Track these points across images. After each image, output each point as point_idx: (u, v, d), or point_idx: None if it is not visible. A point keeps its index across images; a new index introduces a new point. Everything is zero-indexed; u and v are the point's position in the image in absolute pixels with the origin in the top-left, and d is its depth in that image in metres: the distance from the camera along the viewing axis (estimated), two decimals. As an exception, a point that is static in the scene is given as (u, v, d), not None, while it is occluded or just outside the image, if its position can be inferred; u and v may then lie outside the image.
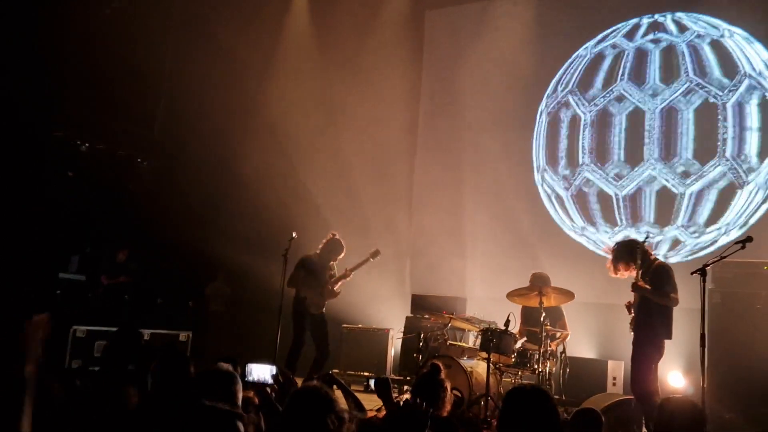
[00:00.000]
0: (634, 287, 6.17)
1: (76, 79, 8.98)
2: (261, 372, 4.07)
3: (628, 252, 6.31)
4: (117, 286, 9.63)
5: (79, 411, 3.05)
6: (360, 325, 9.72)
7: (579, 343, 8.35)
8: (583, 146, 9.34)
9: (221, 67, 10.01)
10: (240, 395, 3.25)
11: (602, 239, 9.17)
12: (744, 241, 5.33)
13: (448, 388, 4.35)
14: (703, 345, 5.20)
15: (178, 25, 9.82)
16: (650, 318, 6.08)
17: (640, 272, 6.28)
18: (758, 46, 8.50)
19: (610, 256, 6.45)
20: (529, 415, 2.83)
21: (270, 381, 3.63)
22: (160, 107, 10.27)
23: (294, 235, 7.65)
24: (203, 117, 9.69)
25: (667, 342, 6.30)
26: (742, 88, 8.43)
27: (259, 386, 3.62)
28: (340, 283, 7.92)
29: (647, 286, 6.12)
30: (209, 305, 10.66)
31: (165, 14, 9.81)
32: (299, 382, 4.15)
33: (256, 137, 9.97)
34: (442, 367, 4.46)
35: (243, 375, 4.73)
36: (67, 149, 9.65)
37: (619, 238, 8.82)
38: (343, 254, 7.96)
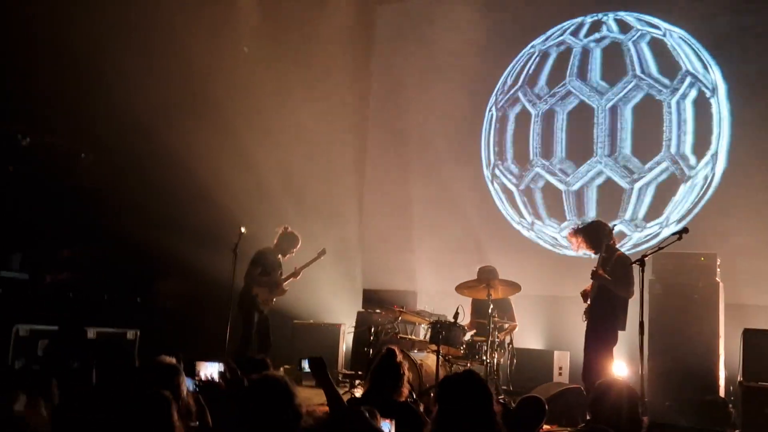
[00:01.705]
0: (594, 276, 6.28)
1: (16, 70, 8.74)
2: (209, 369, 4.06)
3: (594, 231, 6.46)
4: (61, 284, 9.42)
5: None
6: (311, 321, 9.71)
7: (526, 334, 8.50)
8: (534, 142, 9.50)
9: (166, 58, 9.84)
10: (183, 387, 3.24)
11: (551, 234, 9.35)
12: (680, 233, 5.51)
13: (406, 372, 4.33)
14: (641, 333, 5.36)
15: (120, 14, 9.61)
16: (611, 308, 6.18)
17: (601, 260, 6.42)
18: (696, 45, 8.76)
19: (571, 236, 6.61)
20: (463, 397, 2.93)
21: (217, 378, 3.63)
22: (103, 99, 10.04)
23: (243, 230, 7.65)
24: (148, 110, 9.52)
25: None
26: (684, 86, 8.68)
27: (207, 383, 3.62)
28: (289, 281, 8.01)
29: (607, 276, 6.25)
30: (159, 302, 10.53)
31: (106, 3, 9.59)
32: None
33: (203, 131, 9.84)
34: (397, 351, 4.42)
35: (192, 372, 4.70)
36: (7, 143, 9.39)
37: (565, 232, 9.03)
38: (299, 245, 8.01)
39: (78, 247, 9.72)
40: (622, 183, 8.90)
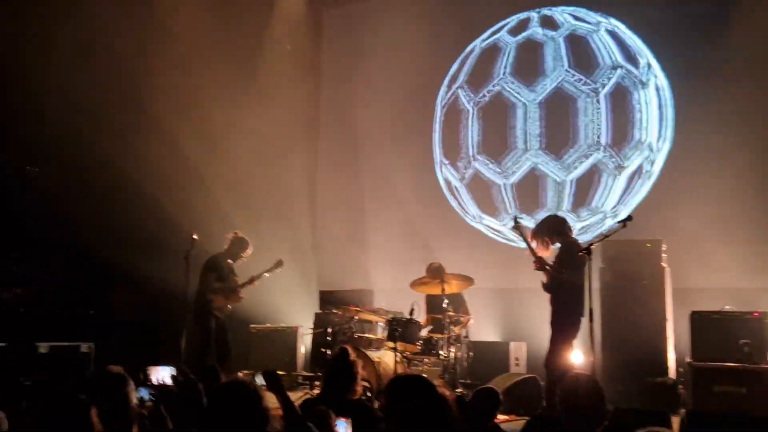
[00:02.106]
0: (538, 266, 6.38)
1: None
2: (160, 374, 4.03)
3: (558, 224, 6.54)
4: (12, 301, 9.21)
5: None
6: (268, 325, 9.67)
7: (481, 327, 8.61)
8: (471, 138, 9.72)
9: (108, 67, 9.69)
10: (133, 396, 3.21)
11: (496, 227, 9.52)
12: (625, 221, 5.64)
13: (360, 371, 4.31)
14: (591, 320, 5.48)
15: (60, 23, 9.44)
16: (565, 296, 6.25)
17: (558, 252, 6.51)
18: (633, 37, 8.97)
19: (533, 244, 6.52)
20: (412, 402, 2.95)
21: (170, 382, 3.59)
22: (48, 112, 9.85)
23: (195, 237, 7.59)
24: (95, 121, 9.37)
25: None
26: (614, 78, 8.90)
27: (159, 388, 3.58)
28: (245, 288, 7.99)
29: (548, 265, 6.35)
30: (113, 313, 10.38)
31: (46, 12, 9.41)
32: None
33: (151, 140, 9.72)
34: (351, 350, 4.40)
35: (144, 377, 4.65)
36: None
37: (511, 225, 9.24)
38: (250, 250, 7.98)
39: (28, 263, 9.51)
40: (555, 175, 9.11)
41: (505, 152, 9.46)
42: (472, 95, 9.78)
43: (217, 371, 4.34)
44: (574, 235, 6.76)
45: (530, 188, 9.32)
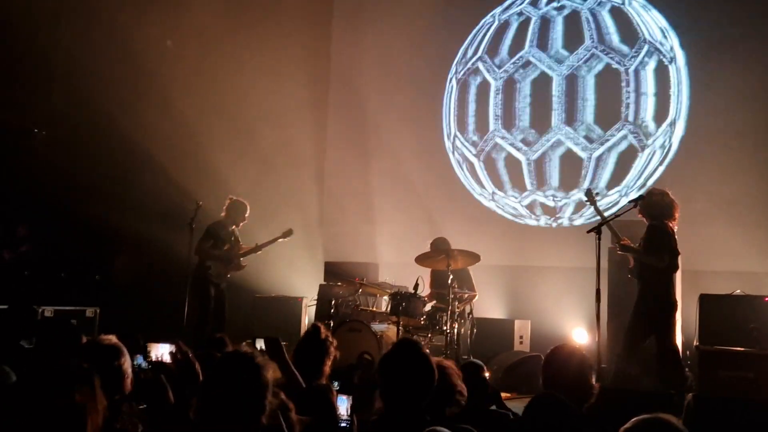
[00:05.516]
0: (622, 248, 6.12)
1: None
2: (160, 350, 3.96)
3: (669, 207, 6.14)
4: (17, 262, 9.21)
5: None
6: (273, 294, 9.64)
7: (486, 304, 8.54)
8: (494, 112, 9.49)
9: (120, 32, 9.59)
10: (128, 368, 3.09)
11: (511, 204, 9.38)
12: (636, 200, 5.52)
13: (332, 351, 3.96)
14: (598, 300, 5.38)
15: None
16: (658, 280, 6.01)
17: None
18: (654, 12, 8.76)
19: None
20: (401, 368, 2.90)
21: (169, 359, 3.50)
22: (57, 75, 9.77)
23: (200, 203, 7.54)
24: (102, 85, 9.30)
25: (572, 300, 6.47)
26: (642, 54, 8.69)
27: (158, 365, 3.51)
28: (248, 256, 7.91)
29: (633, 246, 6.08)
30: (118, 279, 10.39)
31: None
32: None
33: (157, 106, 9.64)
34: (322, 328, 4.09)
35: (144, 353, 4.57)
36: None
37: (526, 202, 9.13)
38: (248, 213, 7.87)
39: (34, 225, 9.50)
40: (580, 152, 8.93)
41: (533, 127, 9.22)
42: (496, 68, 9.50)
43: (224, 342, 4.23)
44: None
45: (560, 164, 9.10)
